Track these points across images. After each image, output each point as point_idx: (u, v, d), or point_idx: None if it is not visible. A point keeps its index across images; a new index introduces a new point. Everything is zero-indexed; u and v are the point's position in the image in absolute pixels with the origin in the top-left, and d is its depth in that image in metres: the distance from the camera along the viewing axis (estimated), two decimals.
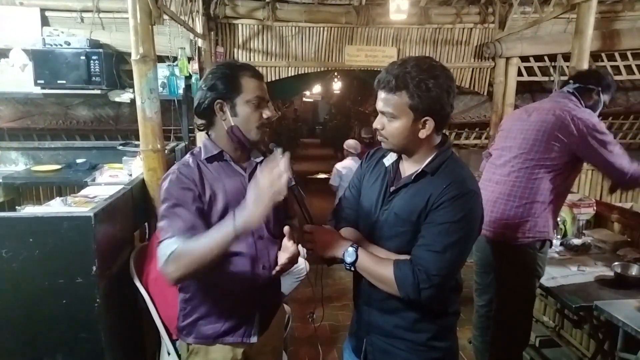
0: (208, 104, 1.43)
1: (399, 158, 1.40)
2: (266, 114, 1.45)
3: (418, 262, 1.23)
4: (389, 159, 1.41)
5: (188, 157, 1.49)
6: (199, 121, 1.52)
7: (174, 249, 1.25)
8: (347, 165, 4.59)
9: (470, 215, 1.25)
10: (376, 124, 1.32)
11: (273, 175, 1.16)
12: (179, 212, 1.34)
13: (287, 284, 2.61)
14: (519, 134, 2.21)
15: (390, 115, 1.27)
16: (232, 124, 1.43)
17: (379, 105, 1.29)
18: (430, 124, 1.26)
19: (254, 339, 1.52)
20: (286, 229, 1.42)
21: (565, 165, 2.11)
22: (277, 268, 1.46)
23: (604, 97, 2.22)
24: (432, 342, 1.35)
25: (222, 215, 1.40)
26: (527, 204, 2.13)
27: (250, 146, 1.50)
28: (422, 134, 1.27)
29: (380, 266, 1.28)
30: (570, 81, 2.27)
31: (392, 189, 1.35)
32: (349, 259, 1.30)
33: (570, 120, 2.05)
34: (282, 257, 1.46)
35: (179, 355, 1.80)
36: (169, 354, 1.86)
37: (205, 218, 1.38)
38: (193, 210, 1.36)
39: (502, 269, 2.24)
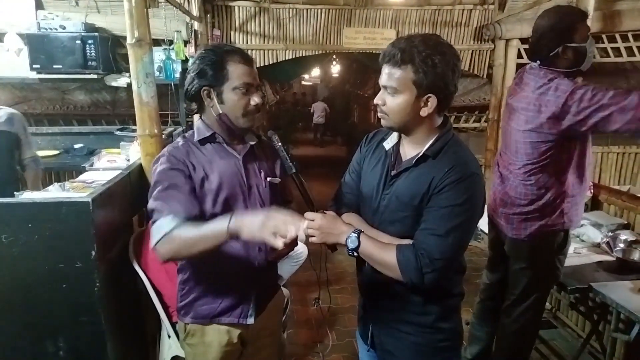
0: (195, 91, 1.42)
1: (399, 141, 1.37)
2: (254, 100, 1.42)
3: (421, 247, 1.21)
4: (389, 142, 1.38)
5: (179, 139, 1.49)
6: (191, 105, 1.51)
7: (170, 229, 1.28)
8: None
9: (473, 198, 1.23)
10: (377, 100, 1.29)
11: (277, 225, 1.18)
12: (173, 193, 1.35)
13: (286, 268, 2.63)
14: None
15: (392, 90, 1.24)
16: (220, 112, 1.42)
17: (383, 79, 1.26)
18: (432, 101, 1.23)
19: (250, 320, 1.53)
20: None
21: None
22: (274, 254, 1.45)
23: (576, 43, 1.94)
24: (438, 324, 1.36)
25: (216, 196, 1.42)
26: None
27: (240, 133, 1.49)
28: (424, 111, 1.24)
29: (383, 251, 1.26)
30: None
31: (393, 172, 1.33)
32: (351, 245, 1.27)
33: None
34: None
35: (178, 338, 1.82)
36: (169, 336, 1.88)
37: (198, 197, 1.40)
38: (186, 190, 1.37)
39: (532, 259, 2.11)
